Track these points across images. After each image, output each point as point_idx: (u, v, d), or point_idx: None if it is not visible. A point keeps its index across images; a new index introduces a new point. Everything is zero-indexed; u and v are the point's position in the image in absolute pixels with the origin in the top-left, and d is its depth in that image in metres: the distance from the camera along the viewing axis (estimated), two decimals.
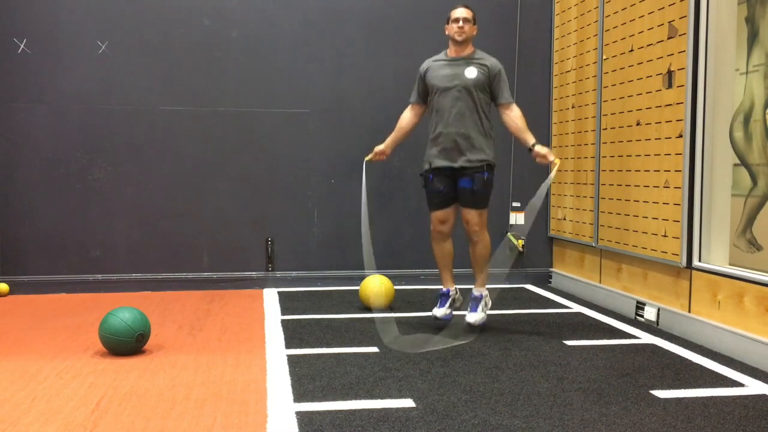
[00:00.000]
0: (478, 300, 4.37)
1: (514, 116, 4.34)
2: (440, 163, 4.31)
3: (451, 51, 4.40)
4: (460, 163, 4.27)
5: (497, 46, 6.01)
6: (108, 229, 5.62)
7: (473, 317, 4.31)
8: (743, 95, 4.16)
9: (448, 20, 4.40)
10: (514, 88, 6.00)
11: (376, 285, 4.94)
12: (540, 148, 4.21)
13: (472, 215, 4.29)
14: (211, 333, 4.32)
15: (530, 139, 4.28)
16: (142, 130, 5.65)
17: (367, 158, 4.65)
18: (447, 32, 4.40)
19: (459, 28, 4.31)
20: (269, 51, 5.79)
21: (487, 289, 4.46)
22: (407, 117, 4.59)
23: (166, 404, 3.03)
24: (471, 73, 4.28)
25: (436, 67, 4.40)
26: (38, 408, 2.97)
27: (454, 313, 4.51)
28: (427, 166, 4.39)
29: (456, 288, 4.53)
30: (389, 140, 4.62)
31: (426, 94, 4.47)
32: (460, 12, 4.36)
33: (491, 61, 4.35)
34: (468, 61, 4.33)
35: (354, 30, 5.88)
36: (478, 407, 2.99)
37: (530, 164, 6.05)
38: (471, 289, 4.48)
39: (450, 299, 4.46)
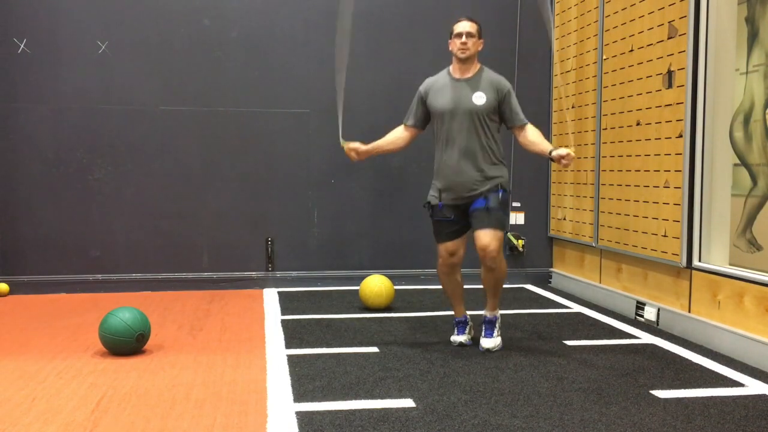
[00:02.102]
0: (493, 323, 4.00)
1: (531, 137, 3.91)
2: (449, 199, 3.93)
3: (455, 70, 3.95)
4: (470, 196, 3.88)
5: (497, 46, 6.02)
6: (108, 229, 5.62)
7: (490, 343, 3.92)
8: (743, 95, 4.16)
9: (450, 34, 3.95)
10: (514, 87, 6.00)
11: (376, 285, 4.94)
12: (558, 152, 3.72)
13: (489, 238, 3.79)
14: (211, 333, 4.32)
15: (547, 147, 3.85)
16: (142, 130, 5.64)
17: (342, 143, 4.06)
18: (450, 48, 3.94)
19: (462, 44, 3.86)
20: (269, 51, 5.79)
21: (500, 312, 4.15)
22: (399, 136, 4.11)
23: (166, 404, 3.03)
24: (480, 99, 3.85)
25: (438, 88, 3.95)
26: (38, 408, 2.97)
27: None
28: (434, 196, 3.97)
29: (467, 313, 4.19)
30: (372, 145, 4.11)
31: (424, 119, 4.05)
32: (463, 26, 3.89)
33: (499, 82, 3.93)
34: (475, 83, 3.89)
35: (354, 30, 5.86)
36: (478, 407, 2.99)
37: (530, 164, 6.08)
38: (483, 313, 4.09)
39: (468, 326, 4.12)
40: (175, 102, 5.68)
